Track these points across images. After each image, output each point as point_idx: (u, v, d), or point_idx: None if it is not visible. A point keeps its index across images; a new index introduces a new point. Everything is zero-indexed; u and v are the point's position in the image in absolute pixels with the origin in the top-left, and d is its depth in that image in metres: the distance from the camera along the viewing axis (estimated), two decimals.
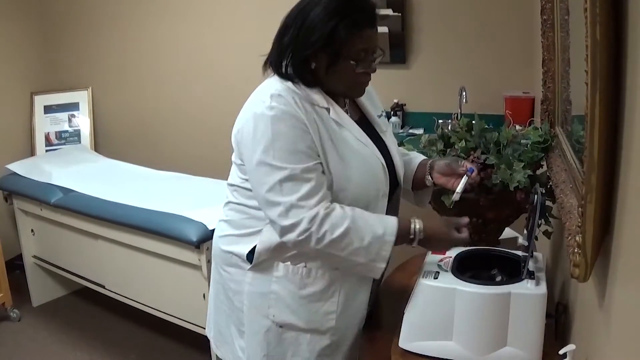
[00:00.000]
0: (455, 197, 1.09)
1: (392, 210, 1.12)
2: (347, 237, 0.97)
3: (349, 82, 1.01)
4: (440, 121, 2.35)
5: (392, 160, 1.09)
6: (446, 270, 1.02)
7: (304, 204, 0.96)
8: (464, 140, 1.25)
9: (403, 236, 1.00)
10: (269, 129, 0.96)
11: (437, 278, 1.00)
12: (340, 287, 1.07)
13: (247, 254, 1.09)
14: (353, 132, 1.03)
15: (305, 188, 0.96)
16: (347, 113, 1.07)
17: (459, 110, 2.37)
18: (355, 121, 1.07)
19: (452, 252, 1.09)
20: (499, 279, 1.03)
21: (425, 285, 0.99)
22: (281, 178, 0.96)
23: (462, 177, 1.08)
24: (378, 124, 1.10)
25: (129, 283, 2.02)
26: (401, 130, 2.75)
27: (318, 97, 1.01)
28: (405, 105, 2.76)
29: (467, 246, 1.03)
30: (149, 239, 1.85)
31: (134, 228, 1.88)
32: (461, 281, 0.98)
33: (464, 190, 1.09)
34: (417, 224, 1.00)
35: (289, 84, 1.01)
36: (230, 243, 1.10)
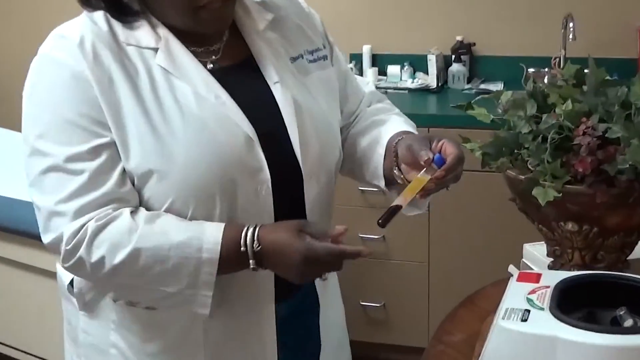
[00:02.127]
0: (404, 206, 1.05)
1: (321, 216, 1.16)
2: (139, 260, 1.01)
3: (181, 6, 1.02)
4: (531, 70, 2.35)
5: (286, 132, 1.10)
6: (541, 308, 1.02)
7: (63, 209, 1.00)
8: (569, 101, 1.25)
9: (232, 249, 1.02)
10: (30, 87, 1.03)
11: (526, 320, 1.00)
12: (205, 341, 1.10)
13: (69, 285, 1.18)
14: (193, 85, 1.05)
15: (71, 186, 1.00)
16: (215, 54, 1.10)
17: (562, 53, 2.36)
18: (233, 65, 1.10)
19: (551, 279, 1.09)
20: (628, 322, 1.03)
21: (507, 331, 0.99)
22: (43, 168, 1.01)
23: (422, 170, 1.06)
24: (270, 72, 1.12)
25: None
26: (467, 86, 2.75)
27: (142, 35, 1.05)
28: (474, 45, 2.75)
29: (329, 271, 1.07)
30: (19, 245, 1.86)
31: None
32: (566, 325, 0.98)
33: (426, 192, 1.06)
34: (251, 229, 1.02)
35: (100, 17, 1.04)
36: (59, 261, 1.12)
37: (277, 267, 1.03)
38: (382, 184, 1.20)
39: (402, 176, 1.14)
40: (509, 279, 1.14)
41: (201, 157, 1.02)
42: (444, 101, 2.62)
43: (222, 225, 1.03)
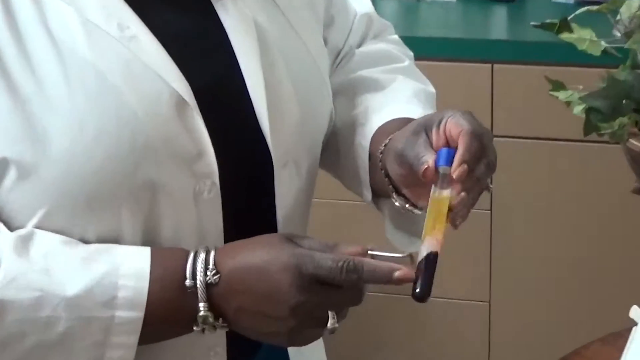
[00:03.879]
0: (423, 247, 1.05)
1: (298, 228, 1.20)
2: (2, 322, 1.00)
3: None
4: None
5: (242, 88, 1.13)
6: None
7: None
8: None
9: (167, 292, 1.03)
10: None
11: None
12: None
13: None
14: (80, 6, 1.05)
15: None
16: None
17: None
18: None
19: None
20: None
21: None
22: None
23: (430, 187, 1.08)
24: None
25: None
26: None
27: None
28: None
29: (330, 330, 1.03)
30: None
31: None
32: None
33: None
34: (202, 254, 1.03)
35: None
36: None
37: (246, 315, 1.02)
38: (367, 196, 1.21)
39: (407, 206, 1.15)
40: (630, 331, 1.15)
41: (96, 138, 1.02)
42: (520, 17, 2.67)
43: (146, 250, 1.04)
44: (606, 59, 1.29)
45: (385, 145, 1.15)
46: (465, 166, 1.03)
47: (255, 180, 1.14)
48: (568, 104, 1.26)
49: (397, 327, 2.67)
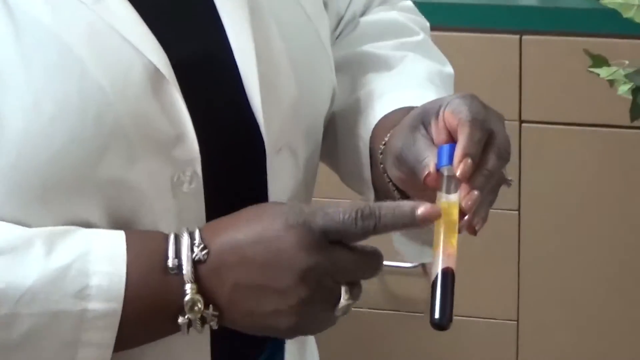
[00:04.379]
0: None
1: None
2: None
3: None
4: None
5: (230, 60, 1.15)
6: None
7: None
8: None
9: (146, 274, 1.04)
10: None
11: None
12: None
13: None
14: None
15: None
16: None
17: None
18: None
19: None
20: None
21: None
22: None
23: (434, 188, 1.08)
24: None
25: None
26: None
27: None
28: None
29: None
30: None
31: None
32: None
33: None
34: (184, 233, 1.05)
35: None
36: None
37: (244, 293, 1.02)
38: (369, 196, 1.22)
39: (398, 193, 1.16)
40: None
41: (55, 118, 1.02)
42: None
43: (120, 232, 1.04)
44: None
45: (384, 143, 1.16)
46: (469, 160, 1.03)
47: (245, 169, 1.14)
48: (611, 82, 1.26)
49: (413, 349, 2.71)
